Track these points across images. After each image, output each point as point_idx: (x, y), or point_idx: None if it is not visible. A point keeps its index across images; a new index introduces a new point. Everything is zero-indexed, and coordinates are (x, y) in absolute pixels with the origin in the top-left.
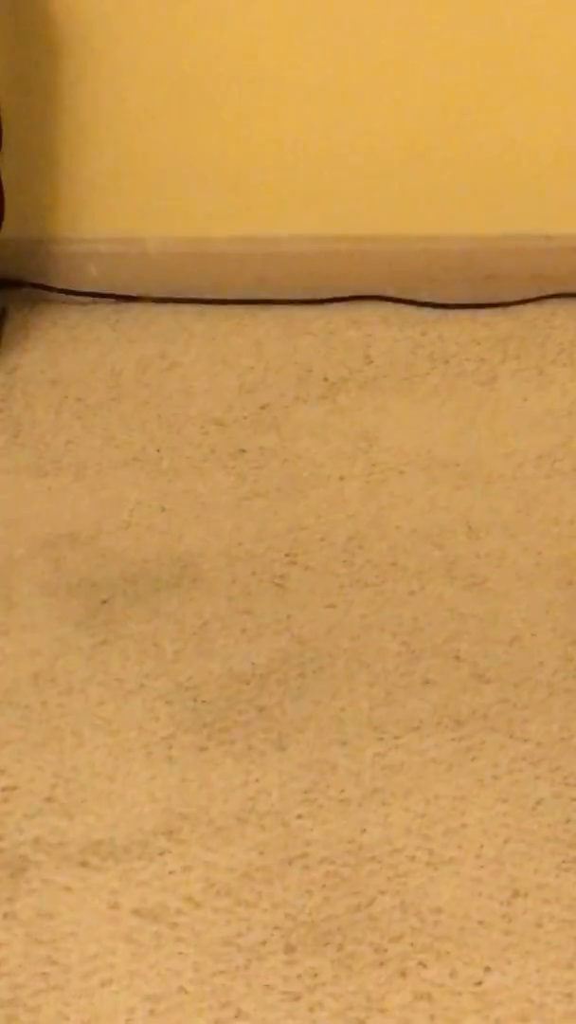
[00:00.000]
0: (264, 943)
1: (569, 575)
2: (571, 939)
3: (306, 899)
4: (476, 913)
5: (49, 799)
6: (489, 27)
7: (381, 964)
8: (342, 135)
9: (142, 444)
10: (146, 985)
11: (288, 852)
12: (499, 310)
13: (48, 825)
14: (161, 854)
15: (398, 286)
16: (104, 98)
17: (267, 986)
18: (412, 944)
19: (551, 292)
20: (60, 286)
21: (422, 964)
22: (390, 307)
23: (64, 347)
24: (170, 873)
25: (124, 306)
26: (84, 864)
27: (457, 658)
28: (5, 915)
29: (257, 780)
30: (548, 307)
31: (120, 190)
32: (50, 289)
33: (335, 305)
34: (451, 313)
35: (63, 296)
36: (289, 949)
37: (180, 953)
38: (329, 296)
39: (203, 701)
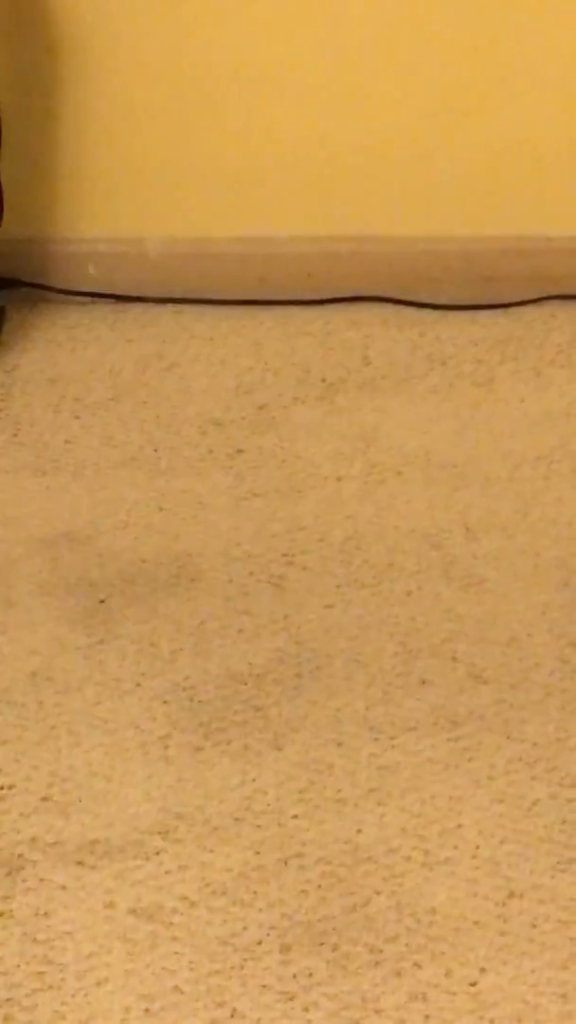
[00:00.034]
0: (260, 943)
1: (566, 576)
2: (566, 940)
3: (302, 899)
4: (471, 914)
5: (45, 798)
6: (489, 28)
7: (376, 964)
8: (342, 136)
9: (140, 444)
10: (142, 984)
11: (284, 852)
12: (498, 311)
13: (44, 824)
14: (157, 853)
15: (397, 287)
16: (104, 98)
17: (262, 986)
18: (407, 944)
19: (550, 294)
20: (59, 286)
21: (417, 964)
22: (389, 308)
23: (63, 347)
24: (166, 873)
25: (123, 306)
26: (80, 863)
27: (454, 659)
28: (1, 914)
29: (253, 780)
30: (547, 308)
31: (119, 190)
32: (49, 289)
33: (334, 306)
34: (450, 314)
35: (62, 296)
36: (285, 949)
37: (176, 953)
38: (328, 297)
39: (200, 701)
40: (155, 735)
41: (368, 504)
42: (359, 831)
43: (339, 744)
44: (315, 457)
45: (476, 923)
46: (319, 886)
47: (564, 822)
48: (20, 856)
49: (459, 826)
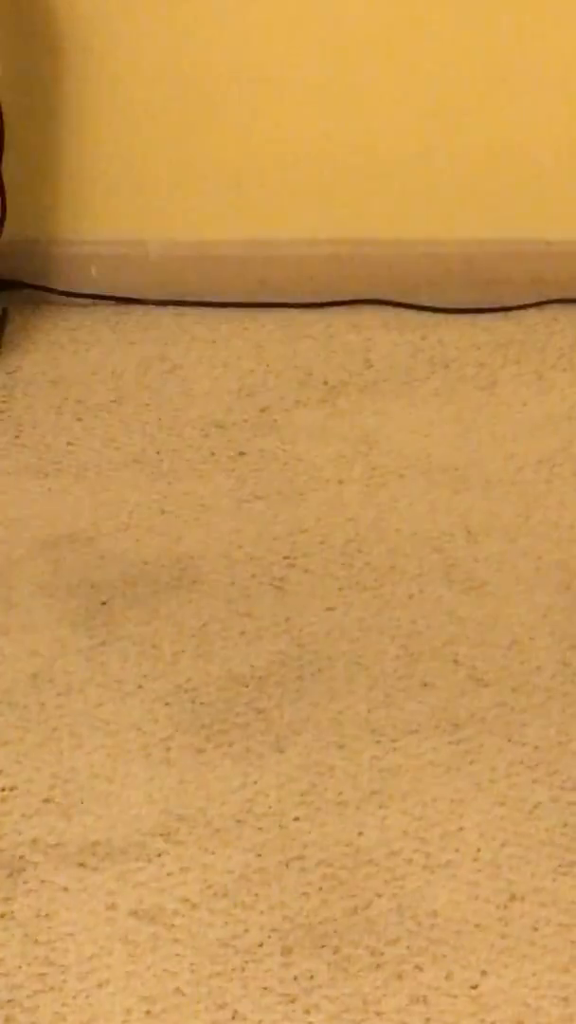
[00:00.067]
0: (261, 945)
1: (568, 579)
2: (567, 943)
3: (303, 901)
4: (472, 916)
5: (47, 800)
6: (489, 29)
7: (377, 967)
8: (343, 138)
9: (142, 446)
10: (143, 986)
11: (285, 854)
12: (499, 315)
13: (46, 826)
14: (159, 855)
15: (398, 290)
16: (105, 100)
17: (264, 988)
18: (408, 947)
19: (551, 297)
20: (61, 288)
21: (418, 967)
22: (390, 311)
23: (65, 349)
24: (168, 874)
25: (125, 308)
26: (82, 865)
27: (455, 661)
28: (3, 915)
29: (255, 782)
30: (548, 312)
31: (121, 192)
32: (51, 291)
33: (335, 309)
34: (451, 317)
35: (64, 298)
36: (286, 951)
37: (177, 954)
38: (329, 300)
39: (202, 703)
40: (157, 737)
41: (369, 507)
42: (360, 833)
43: (341, 746)
44: (317, 460)
45: (477, 926)
46: (320, 888)
47: (565, 825)
48: (22, 858)
49: (460, 829)
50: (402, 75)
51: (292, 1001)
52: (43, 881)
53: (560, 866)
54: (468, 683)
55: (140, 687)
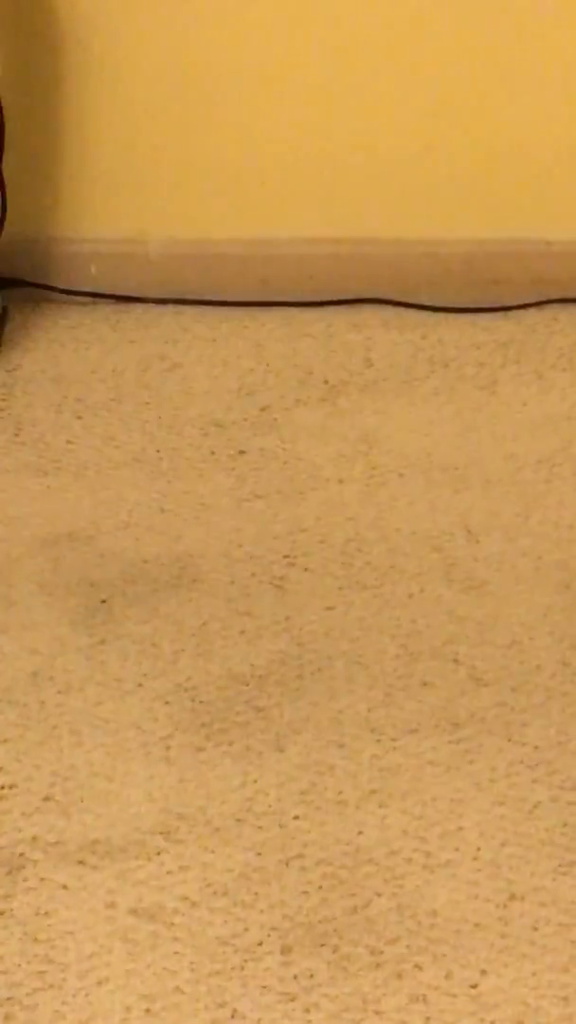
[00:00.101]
0: (260, 944)
1: (568, 579)
2: (567, 942)
3: (303, 900)
4: (472, 916)
5: (47, 798)
6: (490, 30)
7: (377, 966)
8: (344, 137)
9: (142, 445)
10: (142, 984)
11: (285, 853)
12: (500, 314)
13: (46, 824)
14: (158, 854)
15: (399, 289)
16: (106, 99)
17: (263, 987)
18: (408, 946)
19: (552, 297)
20: (61, 286)
21: (418, 966)
22: (390, 310)
23: (65, 347)
24: (167, 873)
25: (125, 307)
26: (81, 863)
27: (455, 661)
28: (2, 913)
29: (255, 781)
30: (549, 312)
31: (121, 191)
32: (51, 289)
33: (336, 308)
34: (451, 317)
35: (64, 296)
36: (285, 950)
37: (176, 953)
38: (330, 299)
39: (201, 702)
40: (157, 735)
41: (369, 506)
42: (360, 833)
43: (340, 746)
44: (317, 459)
45: (477, 925)
46: (320, 887)
47: (565, 825)
48: (21, 855)
49: (460, 828)
50: (402, 75)
51: (292, 1000)
52: (43, 879)
53: (560, 866)
54: (468, 682)
55: (140, 685)
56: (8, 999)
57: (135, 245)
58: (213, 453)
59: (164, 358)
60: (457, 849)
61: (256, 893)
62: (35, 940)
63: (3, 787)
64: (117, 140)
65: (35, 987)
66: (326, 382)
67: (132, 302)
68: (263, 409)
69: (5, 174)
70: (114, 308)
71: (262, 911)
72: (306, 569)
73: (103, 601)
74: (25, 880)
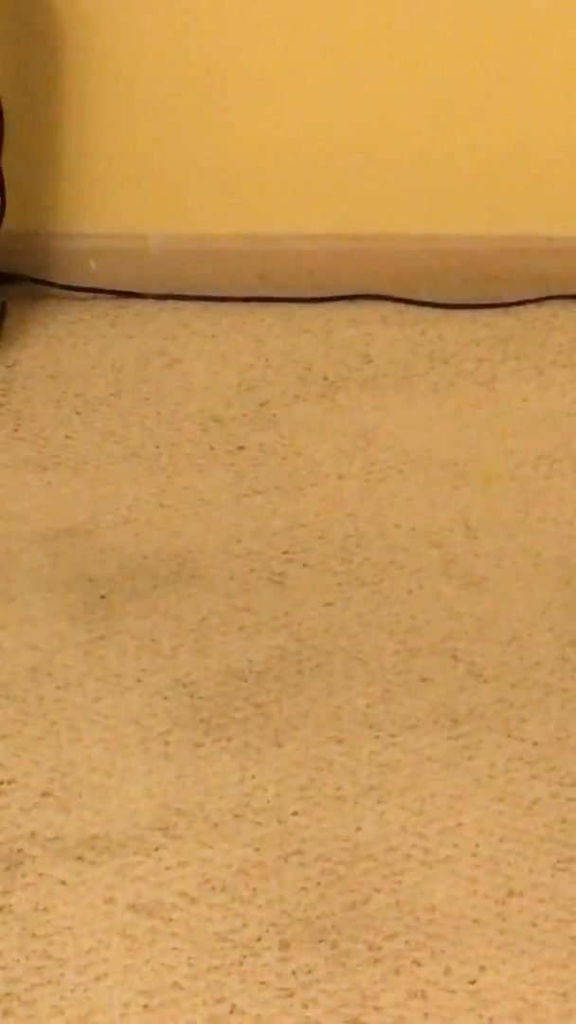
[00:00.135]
0: (259, 939)
1: (567, 575)
2: (566, 938)
3: (301, 896)
4: (471, 912)
5: (45, 793)
6: (491, 26)
7: (376, 962)
8: (344, 133)
9: (141, 440)
10: (141, 980)
11: (284, 849)
12: (499, 310)
13: (44, 819)
14: (157, 849)
15: (398, 285)
16: (106, 94)
17: (261, 982)
18: (407, 942)
19: (551, 293)
20: (61, 281)
21: (416, 962)
22: (390, 306)
23: (64, 342)
24: (166, 869)
25: (124, 302)
26: (80, 859)
27: (454, 657)
28: (1, 909)
29: (253, 777)
30: (548, 308)
31: (121, 186)
32: (51, 284)
33: (335, 303)
34: (451, 313)
35: (63, 291)
36: (284, 946)
37: (175, 949)
38: (329, 294)
39: (200, 697)
40: (155, 731)
41: (369, 502)
42: (359, 829)
43: (339, 741)
44: (316, 455)
45: (476, 921)
46: (319, 883)
47: (564, 821)
48: (20, 851)
49: (459, 824)
50: (403, 70)
51: (290, 995)
52: (41, 874)
53: (559, 862)
54: (467, 679)
55: (139, 681)
56: (7, 995)
57: (134, 241)
58: (212, 449)
59: (163, 354)
60: (456, 845)
61: (255, 889)
62: (33, 936)
63: (1, 783)
64: (117, 135)
65: (33, 983)
66: (325, 378)
67: (131, 298)
68: (262, 405)
69: (5, 169)
70: (113, 304)
71: (260, 907)
72: (305, 565)
73: (102, 597)
74: (23, 876)
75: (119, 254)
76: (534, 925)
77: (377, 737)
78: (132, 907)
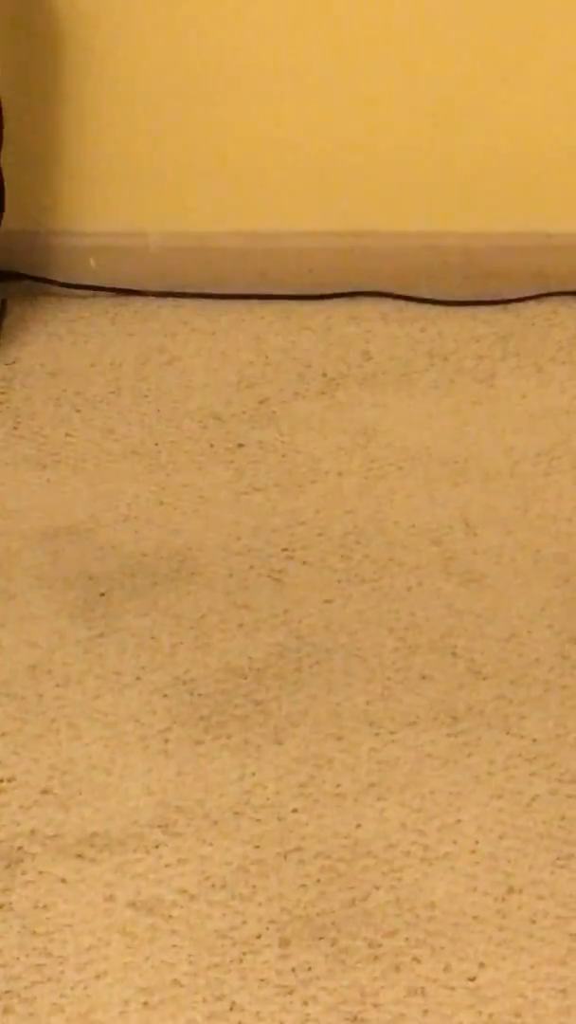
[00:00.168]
0: (259, 936)
1: (566, 572)
2: (565, 935)
3: (301, 893)
4: (470, 909)
5: (45, 791)
6: (490, 24)
7: (375, 959)
8: (343, 131)
9: (141, 438)
10: (141, 977)
11: (283, 846)
12: (499, 307)
13: (44, 817)
14: (157, 847)
15: (398, 282)
16: (105, 92)
17: (261, 980)
18: (406, 939)
19: (551, 290)
20: (60, 279)
21: (416, 959)
22: (390, 303)
23: (64, 340)
24: (165, 866)
25: (124, 300)
26: (80, 856)
27: (454, 654)
28: (1, 906)
29: (253, 774)
30: (548, 305)
31: (121, 184)
32: (50, 282)
33: (335, 301)
34: (451, 310)
35: (63, 289)
36: (283, 943)
37: (175, 946)
38: (329, 292)
39: (200, 695)
40: (155, 729)
41: (368, 499)
42: (358, 826)
43: (339, 738)
44: (315, 452)
45: (475, 918)
46: (318, 880)
47: (563, 818)
48: (20, 849)
49: (458, 821)
50: (403, 68)
51: (290, 993)
52: (41, 872)
53: (558, 859)
54: (466, 675)
55: (138, 679)
56: (7, 992)
57: (134, 238)
58: (212, 446)
59: (163, 351)
60: (455, 842)
61: (254, 886)
62: (33, 933)
63: (1, 780)
64: (117, 134)
65: (33, 980)
66: (325, 375)
67: (131, 295)
68: (262, 402)
69: (5, 167)
70: (113, 301)
71: (260, 904)
72: (304, 562)
73: (102, 594)
74: (24, 873)
75: (119, 252)
76: (533, 922)
77: (377, 734)
78: (132, 904)
